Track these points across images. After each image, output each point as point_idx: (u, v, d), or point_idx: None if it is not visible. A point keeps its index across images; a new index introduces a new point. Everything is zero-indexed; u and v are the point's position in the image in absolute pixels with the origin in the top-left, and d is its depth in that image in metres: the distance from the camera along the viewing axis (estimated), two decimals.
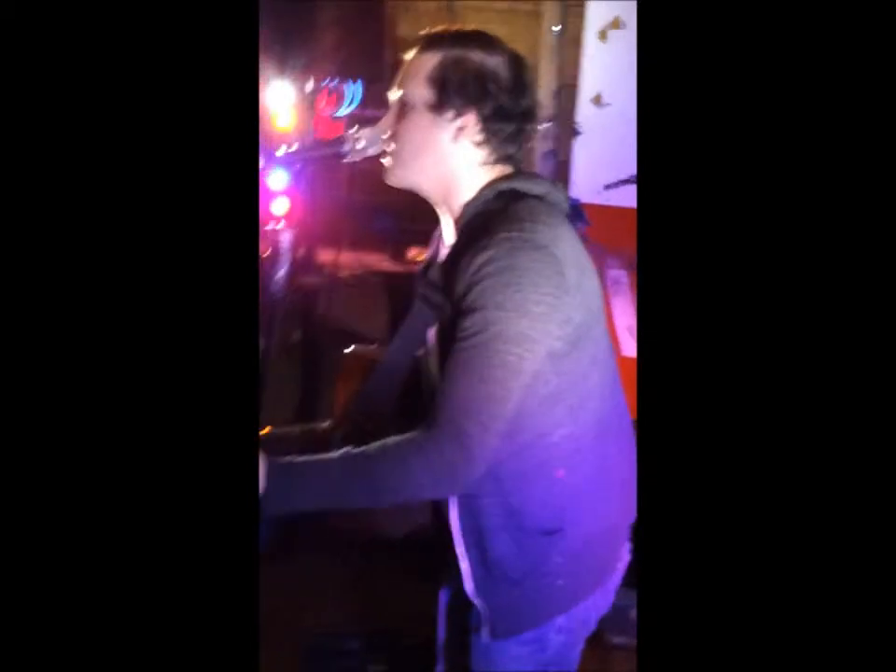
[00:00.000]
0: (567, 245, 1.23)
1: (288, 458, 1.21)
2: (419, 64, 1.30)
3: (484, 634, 1.39)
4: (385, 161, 1.34)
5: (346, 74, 3.03)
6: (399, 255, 3.49)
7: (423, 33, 1.33)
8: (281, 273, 1.25)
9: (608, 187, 2.93)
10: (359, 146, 1.32)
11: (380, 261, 3.52)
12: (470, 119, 1.28)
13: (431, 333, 1.31)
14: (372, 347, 1.59)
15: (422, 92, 1.28)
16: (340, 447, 1.31)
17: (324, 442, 1.39)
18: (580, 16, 3.03)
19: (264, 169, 1.29)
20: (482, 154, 1.31)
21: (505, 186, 1.29)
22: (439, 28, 1.33)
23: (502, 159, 1.32)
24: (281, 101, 2.86)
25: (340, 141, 1.33)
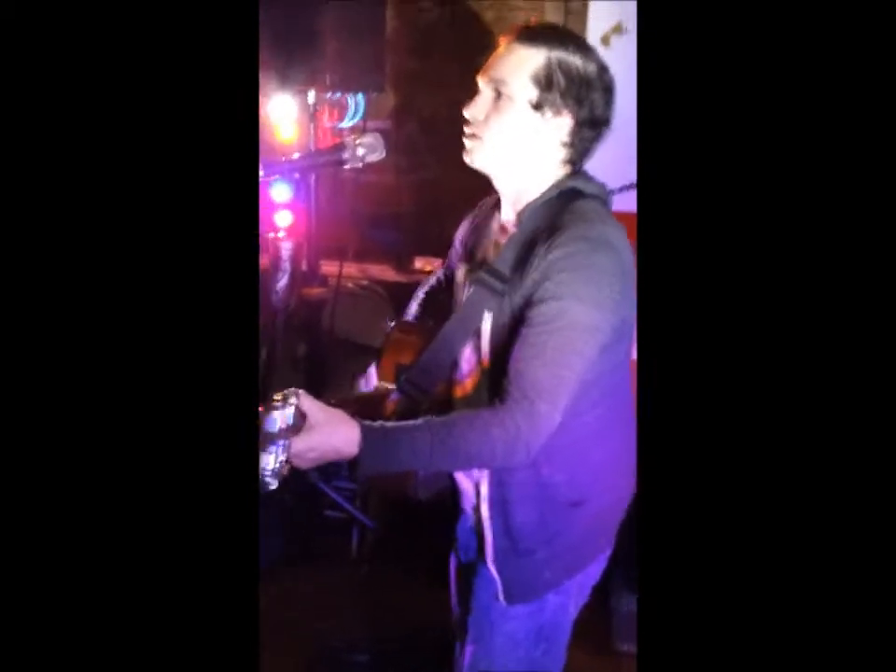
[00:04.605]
0: (627, 246, 1.33)
1: (380, 423, 1.29)
2: (521, 58, 1.34)
3: (501, 599, 1.48)
4: (469, 143, 1.39)
5: (349, 86, 3.03)
6: (403, 265, 3.48)
7: (521, 24, 1.38)
8: (281, 282, 1.25)
9: (611, 192, 2.92)
10: (359, 152, 1.33)
11: (385, 272, 3.51)
12: (566, 122, 1.36)
13: (486, 317, 1.38)
14: (413, 323, 1.71)
15: (524, 88, 1.34)
16: (392, 416, 1.44)
17: (374, 410, 1.48)
18: (581, 22, 3.02)
19: (266, 181, 1.28)
20: (562, 154, 1.39)
21: (568, 185, 1.39)
22: (536, 22, 1.40)
23: (575, 160, 1.41)
24: (283, 113, 2.86)
25: (339, 148, 1.33)
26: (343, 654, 2.43)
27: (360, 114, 3.17)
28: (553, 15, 3.21)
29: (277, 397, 1.20)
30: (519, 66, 1.34)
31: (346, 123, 3.19)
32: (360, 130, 3.10)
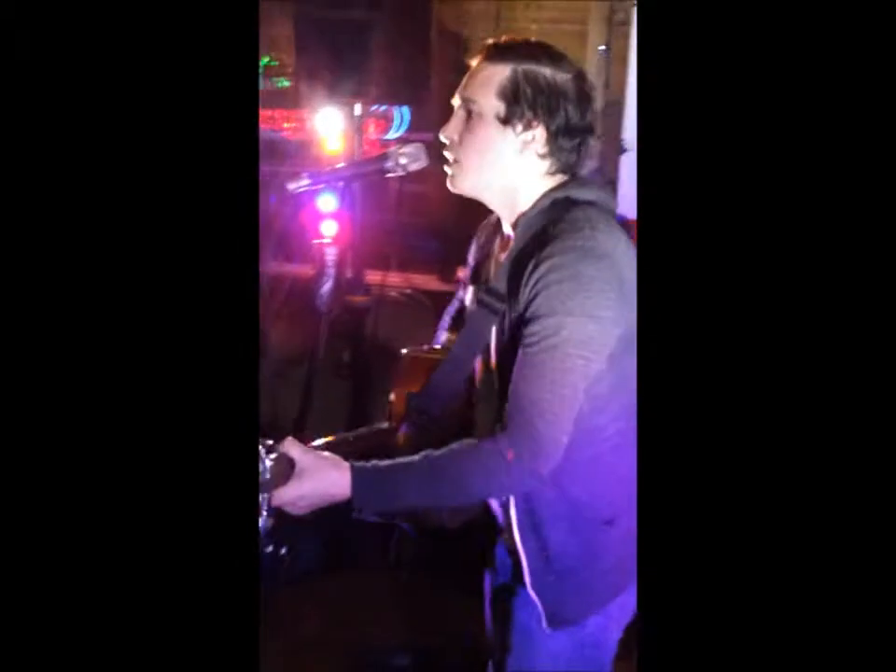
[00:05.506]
0: (624, 251, 1.27)
1: (372, 463, 1.26)
2: (489, 75, 1.32)
3: (544, 625, 1.42)
4: (449, 169, 1.37)
5: (394, 98, 3.08)
6: (446, 275, 3.51)
7: (490, 41, 1.35)
8: (326, 287, 1.28)
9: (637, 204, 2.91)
10: (402, 161, 1.35)
11: (429, 282, 3.55)
12: (538, 133, 1.32)
13: (492, 336, 1.35)
14: (425, 348, 1.64)
15: (492, 104, 1.31)
16: (404, 448, 1.38)
17: (386, 444, 1.43)
18: (625, 35, 3.05)
19: (312, 190, 1.32)
20: (545, 165, 1.34)
21: (559, 194, 1.34)
22: (506, 38, 1.36)
23: (562, 169, 1.35)
24: (330, 125, 2.92)
25: (383, 158, 1.36)
26: (381, 661, 2.45)
27: (405, 126, 3.21)
28: (596, 28, 3.23)
29: (260, 449, 1.17)
30: (486, 83, 1.31)
31: (392, 135, 3.24)
32: (405, 141, 3.14)
